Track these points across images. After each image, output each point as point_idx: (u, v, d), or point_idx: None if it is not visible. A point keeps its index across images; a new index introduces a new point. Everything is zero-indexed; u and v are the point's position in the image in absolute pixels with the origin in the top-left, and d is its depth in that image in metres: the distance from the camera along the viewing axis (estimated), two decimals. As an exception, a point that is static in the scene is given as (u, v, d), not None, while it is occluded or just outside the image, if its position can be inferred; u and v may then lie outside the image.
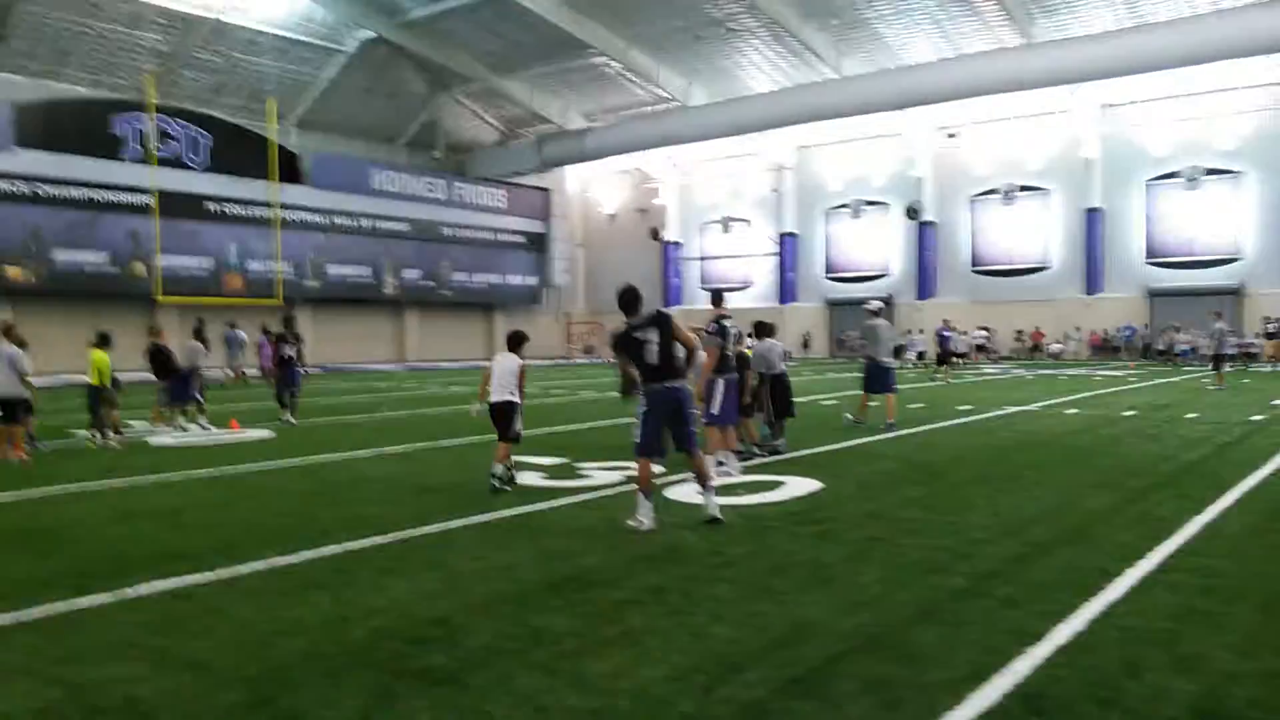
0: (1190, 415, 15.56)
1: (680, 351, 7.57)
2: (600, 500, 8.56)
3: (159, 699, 4.01)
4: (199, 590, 5.65)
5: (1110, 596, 5.32)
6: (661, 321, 7.45)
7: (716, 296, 10.33)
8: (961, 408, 17.36)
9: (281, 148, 39.55)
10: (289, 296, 39.49)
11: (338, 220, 42.93)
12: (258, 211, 39.21)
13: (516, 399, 9.35)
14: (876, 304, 14.94)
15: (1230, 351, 22.97)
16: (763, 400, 11.59)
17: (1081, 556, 6.23)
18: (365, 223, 44.06)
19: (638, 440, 7.45)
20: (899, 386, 14.94)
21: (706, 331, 9.59)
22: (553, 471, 10.23)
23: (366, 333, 44.30)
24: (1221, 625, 4.81)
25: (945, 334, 28.81)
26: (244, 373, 29.74)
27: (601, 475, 9.90)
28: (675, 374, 7.48)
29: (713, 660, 4.40)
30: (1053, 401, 18.25)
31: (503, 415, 9.36)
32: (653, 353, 7.35)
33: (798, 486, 9.08)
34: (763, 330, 12.27)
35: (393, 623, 4.97)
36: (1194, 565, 5.96)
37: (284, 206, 39.26)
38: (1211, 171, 38.92)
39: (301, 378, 16.88)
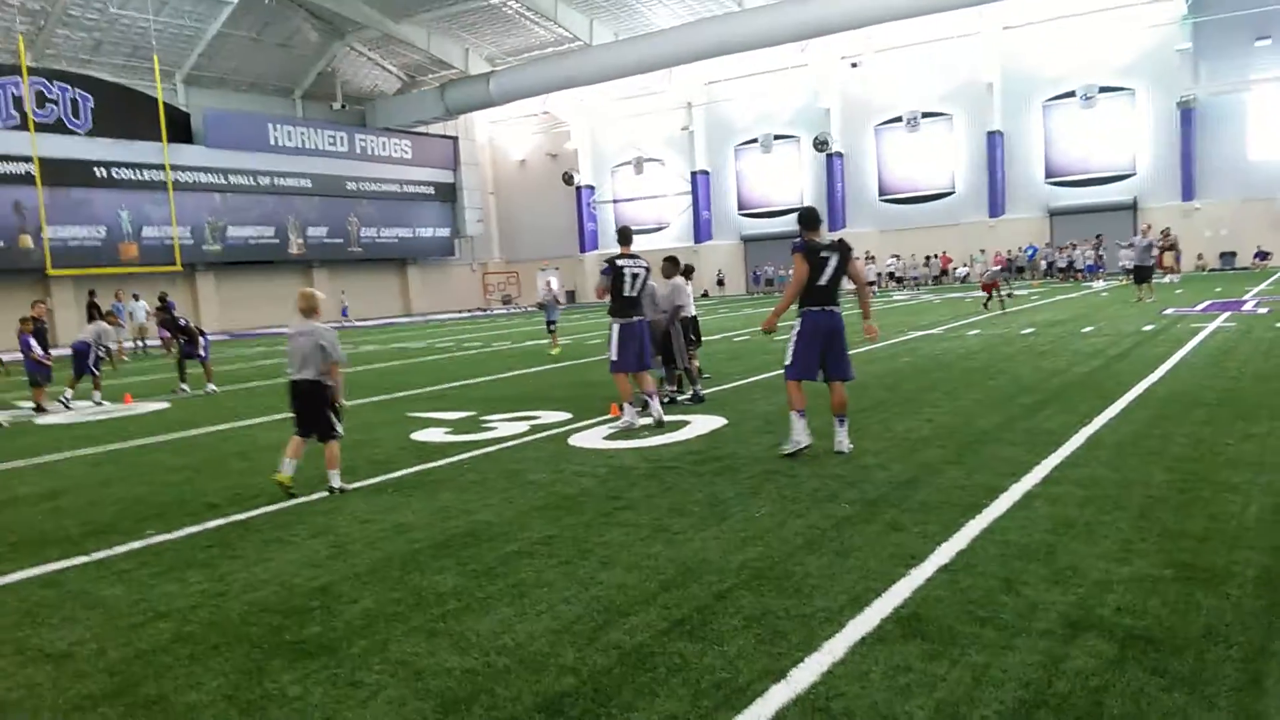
0: (1086, 329, 16.02)
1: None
2: (502, 453, 8.43)
3: (11, 694, 3.81)
4: (68, 576, 5.39)
5: (994, 513, 5.41)
6: (845, 249, 7.52)
7: (624, 236, 9.84)
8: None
9: (170, 106, 37.91)
10: (187, 262, 38.22)
11: (235, 180, 41.46)
12: (150, 175, 37.64)
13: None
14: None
15: (1150, 264, 23.41)
16: (674, 346, 10.92)
17: (969, 475, 6.34)
18: (265, 181, 42.67)
19: (788, 364, 7.45)
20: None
21: (600, 272, 9.50)
22: (457, 426, 10.06)
23: (274, 295, 43.05)
24: (1097, 535, 4.93)
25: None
26: (134, 343, 28.68)
27: (507, 427, 9.77)
28: (836, 300, 7.47)
29: (599, 608, 4.34)
30: (956, 324, 18.64)
31: None
32: (828, 275, 7.36)
33: (702, 425, 9.09)
34: (671, 268, 11.33)
35: (271, 596, 4.81)
36: (1076, 477, 6.11)
37: (177, 168, 37.79)
38: (1105, 89, 39.83)
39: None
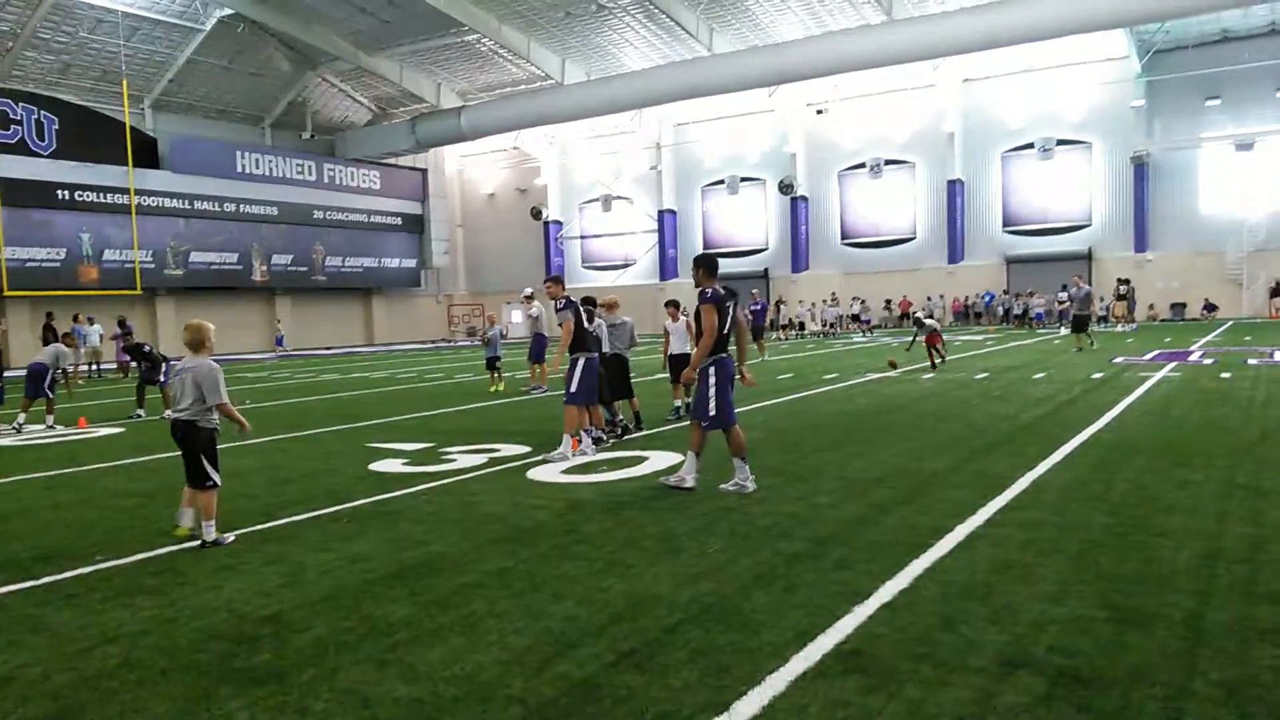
0: (1037, 376, 16.39)
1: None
2: (460, 484, 8.47)
3: (-47, 719, 3.79)
4: (14, 600, 5.35)
5: (938, 553, 5.55)
6: (736, 297, 7.90)
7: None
8: (828, 376, 17.86)
9: (137, 131, 37.72)
10: (148, 287, 37.86)
11: (200, 205, 41.21)
12: (113, 198, 37.31)
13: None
14: (529, 290, 19.17)
15: (1088, 314, 23.92)
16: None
17: (917, 516, 6.49)
18: (230, 207, 42.43)
19: (715, 414, 7.59)
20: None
21: (557, 307, 9.73)
22: (415, 457, 10.08)
23: (236, 322, 42.69)
24: (1035, 576, 5.08)
25: (763, 305, 26.68)
26: (88, 367, 28.20)
27: (466, 459, 9.80)
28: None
29: (549, 639, 4.41)
30: (912, 368, 18.90)
31: None
32: (729, 323, 7.70)
33: (660, 461, 9.18)
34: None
35: (222, 623, 4.82)
36: (1019, 520, 6.28)
37: (141, 192, 37.52)
38: (1062, 142, 40.93)
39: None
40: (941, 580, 5.06)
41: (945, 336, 21.58)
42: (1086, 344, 22.75)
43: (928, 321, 19.99)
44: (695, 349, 7.97)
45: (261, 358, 38.59)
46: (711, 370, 7.61)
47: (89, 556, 6.22)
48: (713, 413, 7.62)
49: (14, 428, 14.09)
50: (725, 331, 7.66)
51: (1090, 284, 36.85)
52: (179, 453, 6.84)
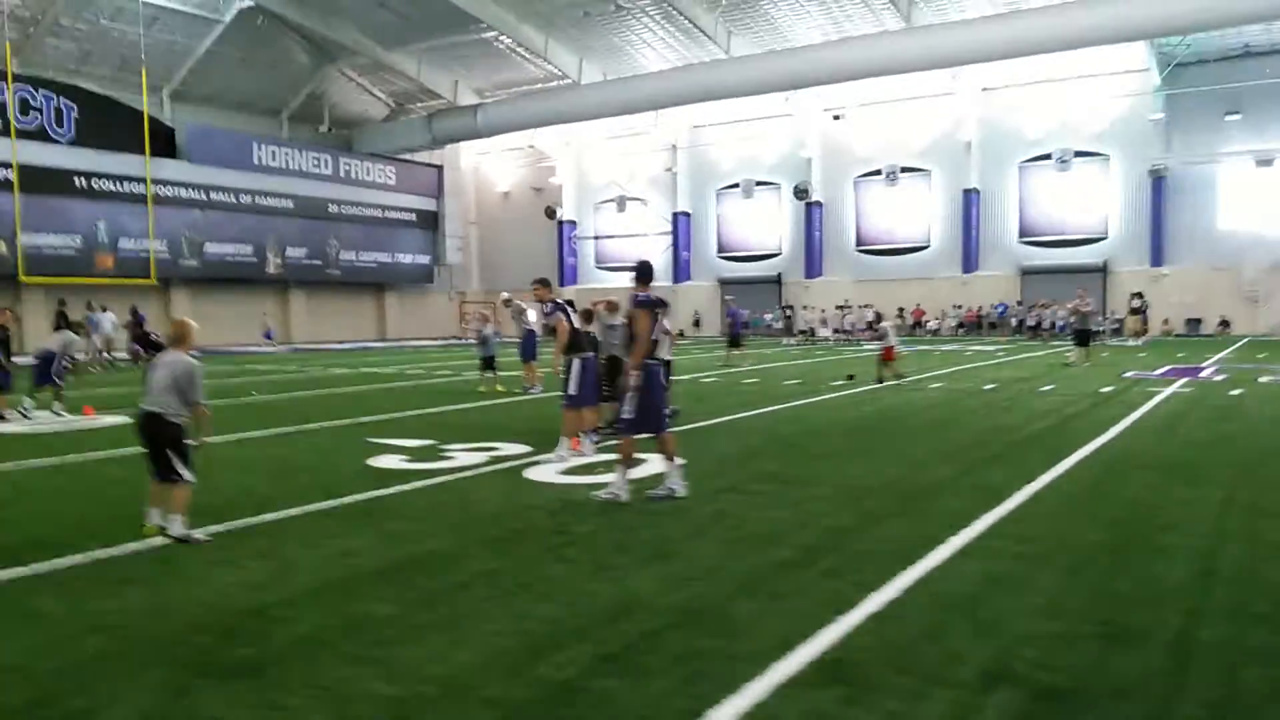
0: (1045, 388, 16.28)
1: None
2: (457, 482, 8.47)
3: (-67, 703, 3.81)
4: (7, 587, 5.38)
5: (929, 565, 5.51)
6: (665, 305, 7.88)
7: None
8: (835, 383, 17.78)
9: (155, 120, 37.86)
10: (162, 277, 38.03)
11: (216, 196, 41.30)
12: (130, 187, 37.46)
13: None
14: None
15: (1096, 328, 23.62)
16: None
17: (911, 526, 6.44)
18: (246, 199, 42.50)
19: (630, 418, 7.55)
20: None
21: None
22: (415, 454, 10.08)
23: (249, 314, 42.73)
24: (1026, 590, 5.04)
25: (735, 312, 25.69)
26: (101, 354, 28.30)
27: (465, 457, 9.79)
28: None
29: (531, 641, 4.39)
30: (921, 376, 18.82)
31: None
32: (659, 329, 7.68)
33: (658, 464, 9.12)
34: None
35: (207, 616, 4.82)
36: (1013, 532, 6.23)
37: (158, 182, 37.65)
38: (1080, 154, 40.66)
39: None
40: (931, 592, 5.02)
41: (956, 346, 20.75)
42: (1082, 359, 22.18)
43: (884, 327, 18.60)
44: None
45: (271, 350, 38.71)
46: (632, 377, 7.55)
47: (83, 545, 6.23)
48: (627, 416, 7.57)
49: (20, 411, 14.17)
50: (657, 337, 7.64)
51: (1102, 297, 36.68)
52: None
